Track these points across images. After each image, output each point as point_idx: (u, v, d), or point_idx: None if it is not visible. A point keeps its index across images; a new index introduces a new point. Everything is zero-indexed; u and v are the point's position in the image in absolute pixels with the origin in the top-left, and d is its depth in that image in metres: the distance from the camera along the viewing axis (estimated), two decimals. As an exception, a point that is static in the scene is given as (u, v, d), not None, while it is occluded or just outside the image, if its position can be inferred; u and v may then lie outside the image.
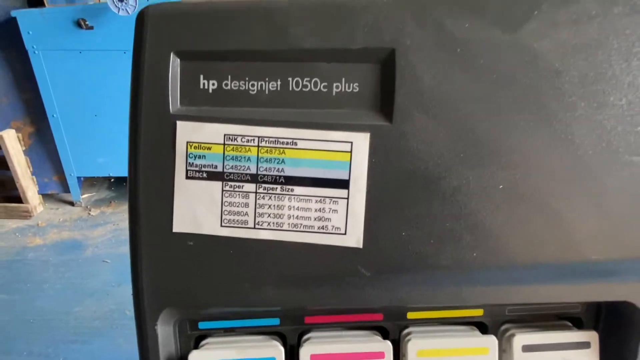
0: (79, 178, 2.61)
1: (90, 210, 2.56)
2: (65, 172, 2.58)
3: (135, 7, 2.15)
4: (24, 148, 2.54)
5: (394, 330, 0.36)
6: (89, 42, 2.25)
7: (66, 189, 2.62)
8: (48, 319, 1.88)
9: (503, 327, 0.37)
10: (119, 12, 2.15)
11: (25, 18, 2.25)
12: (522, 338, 0.35)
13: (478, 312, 0.37)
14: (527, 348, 0.35)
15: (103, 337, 1.68)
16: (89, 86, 2.33)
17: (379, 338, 0.35)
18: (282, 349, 0.35)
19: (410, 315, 0.36)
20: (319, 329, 0.36)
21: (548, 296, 0.34)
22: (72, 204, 2.65)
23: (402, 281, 0.33)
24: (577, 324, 0.38)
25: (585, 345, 0.36)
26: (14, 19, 2.24)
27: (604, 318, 0.37)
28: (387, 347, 0.34)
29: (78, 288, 2.03)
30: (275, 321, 0.36)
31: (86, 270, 2.10)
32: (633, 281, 0.34)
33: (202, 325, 0.36)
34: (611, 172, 0.31)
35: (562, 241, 0.32)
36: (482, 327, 0.37)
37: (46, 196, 2.71)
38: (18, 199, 2.55)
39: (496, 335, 0.36)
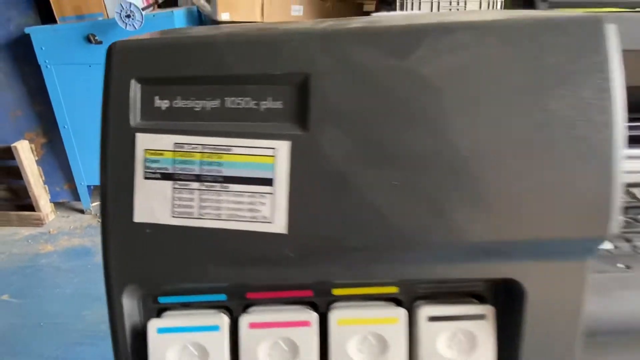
0: (89, 186, 2.69)
1: (99, 218, 2.63)
2: (75, 181, 2.65)
3: (141, 22, 2.23)
4: (36, 158, 2.63)
5: (322, 305, 0.44)
6: (98, 56, 2.33)
7: (77, 197, 2.70)
8: (58, 322, 1.95)
9: (415, 303, 0.44)
10: (126, 27, 2.23)
11: (38, 34, 2.34)
12: (427, 310, 0.42)
13: (393, 289, 0.44)
14: (432, 319, 0.42)
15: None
16: (98, 98, 2.38)
17: (309, 310, 0.43)
18: (227, 319, 0.42)
19: (335, 291, 0.43)
20: (260, 304, 0.44)
21: (447, 273, 0.41)
22: (82, 211, 2.74)
23: (322, 261, 0.40)
24: (482, 300, 0.45)
25: (482, 317, 0.42)
26: (28, 35, 2.33)
27: (500, 295, 0.44)
28: (313, 317, 0.42)
29: (87, 293, 2.10)
30: (223, 297, 0.43)
31: (95, 275, 2.17)
32: (517, 261, 0.41)
33: (162, 300, 0.43)
34: (485, 168, 0.38)
35: (450, 226, 0.39)
36: (399, 303, 0.44)
37: (57, 204, 2.79)
38: (31, 207, 2.64)
39: (410, 310, 0.43)
